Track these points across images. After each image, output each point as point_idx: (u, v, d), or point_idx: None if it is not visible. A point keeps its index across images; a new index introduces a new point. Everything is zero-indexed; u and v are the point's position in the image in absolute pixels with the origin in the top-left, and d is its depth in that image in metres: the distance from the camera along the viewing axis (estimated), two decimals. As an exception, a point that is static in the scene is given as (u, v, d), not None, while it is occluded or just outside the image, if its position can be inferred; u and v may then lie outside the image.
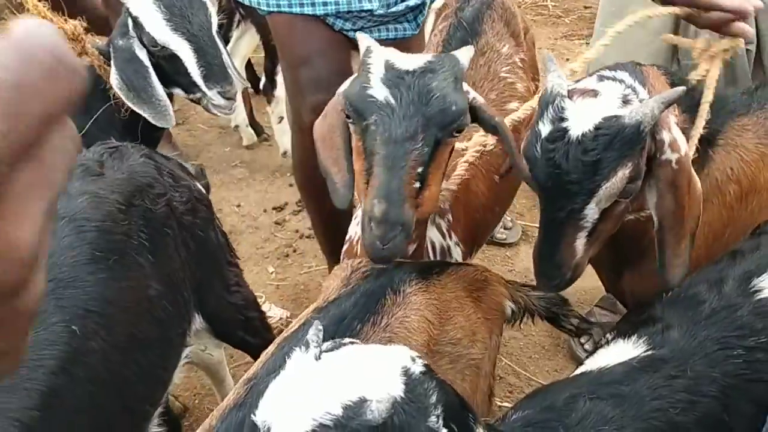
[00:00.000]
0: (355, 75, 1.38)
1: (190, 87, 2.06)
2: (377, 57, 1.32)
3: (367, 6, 2.10)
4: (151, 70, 2.04)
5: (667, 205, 1.35)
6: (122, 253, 1.37)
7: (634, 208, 1.46)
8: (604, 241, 1.42)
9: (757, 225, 1.55)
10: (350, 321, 1.36)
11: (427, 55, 1.37)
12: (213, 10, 2.13)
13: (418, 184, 1.27)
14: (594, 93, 1.31)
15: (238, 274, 1.87)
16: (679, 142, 1.33)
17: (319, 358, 1.02)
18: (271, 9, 2.14)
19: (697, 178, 1.37)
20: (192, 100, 2.15)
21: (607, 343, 1.39)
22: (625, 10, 2.07)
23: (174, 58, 2.02)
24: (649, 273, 1.64)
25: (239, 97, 3.56)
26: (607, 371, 1.28)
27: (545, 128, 1.28)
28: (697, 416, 1.19)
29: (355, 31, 2.19)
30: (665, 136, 1.31)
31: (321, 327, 1.18)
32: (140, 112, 2.02)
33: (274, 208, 3.40)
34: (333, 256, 2.72)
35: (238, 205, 3.40)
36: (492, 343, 1.59)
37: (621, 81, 1.34)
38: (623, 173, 1.27)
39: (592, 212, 1.31)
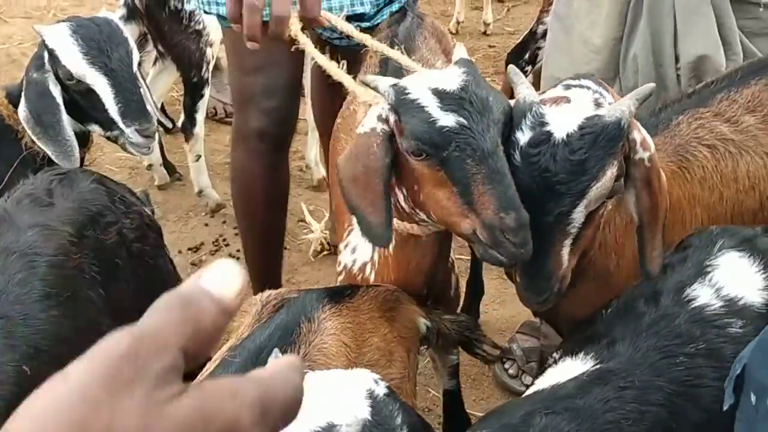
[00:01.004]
0: (382, 112, 1.38)
1: (107, 124, 2.00)
2: (417, 89, 1.32)
3: (359, 9, 2.13)
4: (62, 107, 1.97)
5: (644, 202, 1.40)
6: (74, 288, 1.32)
7: None
8: (583, 250, 1.45)
9: (680, 239, 1.65)
10: (268, 354, 1.34)
11: (448, 68, 1.39)
12: (134, 45, 2.11)
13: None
14: (566, 99, 1.35)
15: (186, 305, 1.83)
16: (648, 141, 1.39)
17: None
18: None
19: (662, 173, 1.45)
20: (109, 138, 2.09)
21: (555, 362, 1.44)
22: (572, 30, 2.21)
23: (91, 93, 1.97)
24: (587, 293, 1.72)
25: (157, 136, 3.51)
26: (560, 387, 1.33)
27: (525, 135, 1.30)
28: (647, 426, 1.26)
29: (341, 38, 2.21)
30: (636, 135, 1.37)
31: (280, 354, 1.19)
32: (44, 149, 1.94)
33: (189, 249, 3.32)
34: (261, 281, 2.66)
35: (152, 247, 3.31)
36: (410, 361, 1.62)
37: (588, 87, 1.40)
38: (611, 171, 1.31)
39: (580, 215, 1.33)
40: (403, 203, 1.47)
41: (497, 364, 2.52)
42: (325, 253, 3.27)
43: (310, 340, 1.41)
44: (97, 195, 1.55)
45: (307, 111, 3.83)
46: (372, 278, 1.72)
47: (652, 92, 1.40)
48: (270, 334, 1.39)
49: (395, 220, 1.48)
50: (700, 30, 1.96)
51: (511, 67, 1.46)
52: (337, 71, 1.61)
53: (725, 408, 1.26)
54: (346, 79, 1.62)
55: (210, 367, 1.39)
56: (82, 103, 2.00)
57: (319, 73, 2.92)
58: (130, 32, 3.18)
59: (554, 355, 1.48)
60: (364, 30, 2.11)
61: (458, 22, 5.30)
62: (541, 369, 1.50)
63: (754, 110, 1.76)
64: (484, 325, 2.54)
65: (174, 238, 3.38)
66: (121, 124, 1.96)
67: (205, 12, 2.26)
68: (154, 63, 3.44)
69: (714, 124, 1.74)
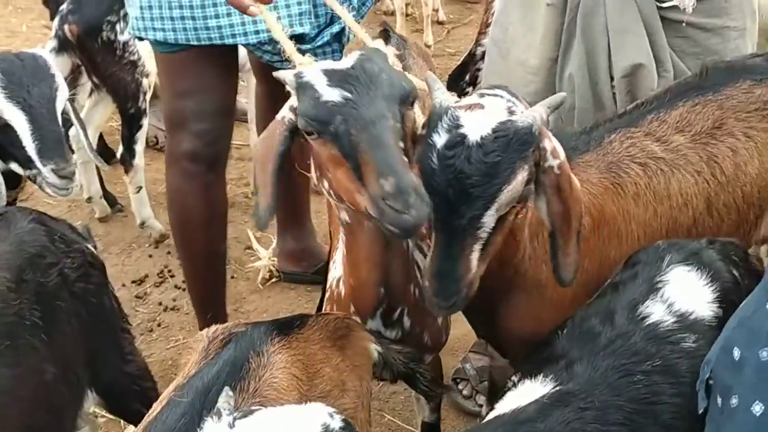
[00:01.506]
0: (292, 102, 1.41)
1: (25, 162, 1.93)
2: (311, 72, 1.36)
3: (298, 30, 2.13)
4: None
5: (554, 208, 1.44)
6: (15, 336, 1.26)
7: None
8: (491, 257, 1.45)
9: (616, 254, 1.69)
10: (216, 392, 1.30)
11: (353, 54, 1.42)
12: (61, 81, 2.04)
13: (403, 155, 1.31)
14: (480, 106, 1.39)
15: (131, 342, 1.79)
16: (557, 149, 1.43)
17: (233, 426, 1.00)
18: (203, 43, 2.15)
19: (575, 179, 1.48)
20: (30, 178, 2.01)
21: (514, 385, 1.44)
22: (509, 55, 2.24)
23: (8, 129, 1.90)
24: (522, 306, 1.73)
25: (78, 176, 3.41)
26: (520, 411, 1.33)
27: (441, 138, 1.33)
28: (609, 446, 1.26)
29: (282, 63, 2.16)
30: (546, 143, 1.40)
31: (231, 393, 1.16)
32: None
33: (133, 282, 3.24)
34: (204, 310, 2.64)
35: (94, 281, 3.21)
36: (363, 389, 1.60)
37: (501, 96, 1.44)
38: (522, 176, 1.34)
39: (490, 219, 1.35)
40: (326, 191, 1.48)
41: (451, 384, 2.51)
42: (273, 280, 3.23)
43: (260, 375, 1.38)
44: (35, 235, 1.49)
45: (252, 137, 3.81)
46: (339, 293, 1.72)
47: (563, 101, 1.45)
48: (218, 370, 1.36)
49: (343, 212, 1.50)
50: (633, 44, 2.02)
51: (428, 73, 1.50)
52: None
53: (700, 411, 1.28)
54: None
55: (157, 407, 1.33)
56: (1, 139, 1.93)
57: (263, 97, 2.91)
58: (62, 64, 3.12)
59: (513, 378, 1.48)
60: (303, 52, 2.12)
61: (399, 45, 5.35)
62: (501, 392, 1.48)
63: (683, 130, 1.82)
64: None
65: (117, 271, 3.29)
66: (37, 163, 1.90)
67: (139, 39, 2.25)
68: (90, 94, 3.37)
69: (645, 143, 1.79)
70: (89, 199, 3.55)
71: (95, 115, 3.42)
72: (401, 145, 1.30)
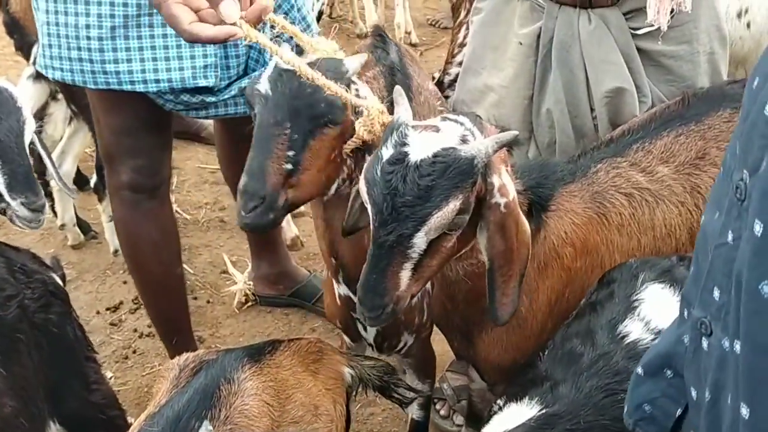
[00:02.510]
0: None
1: None
2: (276, 60, 1.50)
3: (202, 83, 2.07)
4: None
5: (496, 245, 1.42)
6: (-28, 372, 1.24)
7: (463, 255, 1.51)
8: (428, 280, 1.48)
9: (600, 277, 1.69)
10: (187, 421, 1.32)
11: (314, 56, 1.54)
12: (28, 114, 2.02)
13: (289, 166, 1.46)
14: (436, 128, 1.40)
15: (97, 370, 1.77)
16: (508, 187, 1.42)
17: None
18: (100, 87, 2.09)
19: (525, 222, 1.47)
20: None
21: (500, 408, 1.44)
22: (484, 99, 2.24)
23: None
24: (501, 335, 1.73)
25: (47, 210, 3.38)
26: None
27: (387, 152, 1.35)
28: (597, 467, 1.26)
29: (188, 111, 2.19)
30: (495, 180, 1.39)
31: (211, 427, 1.16)
32: None
33: (108, 309, 3.21)
34: (169, 334, 2.63)
35: (68, 309, 3.18)
36: (337, 413, 1.60)
37: (462, 123, 1.43)
38: (454, 204, 1.33)
39: (420, 241, 1.34)
40: None
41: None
42: (249, 304, 3.21)
43: (231, 403, 1.38)
44: None
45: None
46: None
47: (515, 138, 1.44)
48: (189, 399, 1.36)
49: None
50: (612, 72, 2.03)
51: (398, 88, 1.51)
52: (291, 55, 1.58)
53: None
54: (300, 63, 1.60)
55: (128, 438, 1.33)
56: None
57: (221, 126, 2.88)
58: (40, 91, 3.12)
59: (498, 401, 1.48)
60: (209, 104, 2.14)
61: (373, 66, 5.38)
62: (487, 416, 1.48)
63: (667, 161, 1.83)
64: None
65: (91, 298, 3.27)
66: (6, 197, 1.87)
67: (53, 77, 2.15)
68: (69, 122, 3.35)
69: (630, 174, 1.80)
70: (62, 226, 3.53)
71: (74, 143, 3.40)
72: (289, 154, 1.46)
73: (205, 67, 2.05)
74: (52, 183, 3.50)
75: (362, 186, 1.39)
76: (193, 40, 1.33)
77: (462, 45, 3.08)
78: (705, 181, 1.81)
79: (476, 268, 1.57)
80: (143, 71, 2.03)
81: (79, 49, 2.02)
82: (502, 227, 1.41)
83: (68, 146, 3.35)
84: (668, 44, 2.04)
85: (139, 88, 2.06)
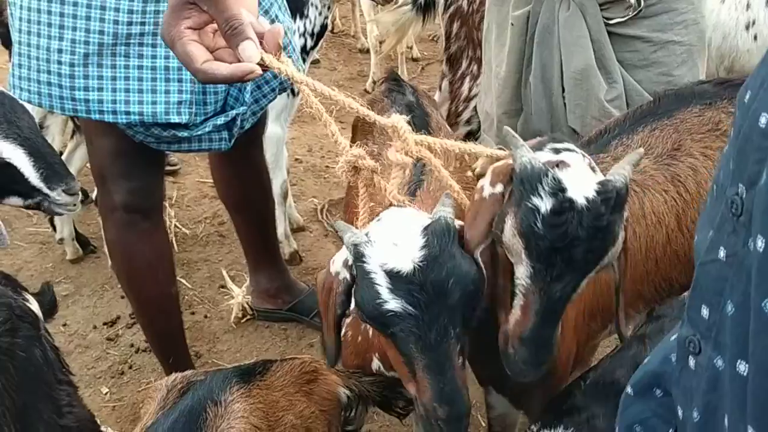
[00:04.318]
0: (346, 256, 1.32)
1: (29, 193, 1.92)
2: (373, 261, 1.26)
3: (174, 119, 1.99)
4: None
5: (622, 264, 1.37)
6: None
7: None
8: None
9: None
10: None
11: (408, 223, 1.31)
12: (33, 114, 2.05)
13: (461, 359, 1.27)
14: (565, 164, 1.27)
15: (71, 393, 1.72)
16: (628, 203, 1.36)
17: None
18: (67, 113, 2.08)
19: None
20: (29, 207, 1.99)
21: (534, 435, 1.39)
22: (490, 71, 2.41)
23: (8, 167, 1.87)
24: None
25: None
26: None
27: (545, 202, 1.21)
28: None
29: (159, 144, 2.13)
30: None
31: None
32: None
33: (105, 324, 3.20)
34: (165, 353, 2.61)
35: (65, 324, 3.16)
36: None
37: (574, 151, 1.33)
38: (623, 235, 1.27)
39: (585, 282, 1.28)
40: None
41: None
42: (247, 318, 3.20)
43: (217, 425, 1.35)
44: None
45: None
46: None
47: (642, 156, 1.37)
48: (174, 420, 1.33)
49: None
50: (579, 53, 2.15)
51: (507, 128, 1.38)
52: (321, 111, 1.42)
53: None
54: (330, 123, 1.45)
55: (113, 460, 1.31)
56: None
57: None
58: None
59: (532, 427, 1.44)
60: (181, 139, 2.09)
61: (374, 82, 5.40)
62: None
63: (646, 153, 1.86)
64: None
65: (88, 313, 3.26)
66: (45, 190, 1.90)
67: (20, 98, 2.05)
68: (72, 136, 3.36)
69: None
70: (61, 241, 3.53)
71: (76, 156, 3.41)
72: (458, 349, 1.25)
73: (179, 103, 1.99)
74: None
75: (515, 242, 1.24)
76: (209, 81, 1.23)
77: (468, 99, 3.09)
78: (683, 170, 1.86)
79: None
80: (114, 102, 1.97)
81: (49, 72, 1.97)
82: (624, 242, 1.36)
83: (69, 160, 3.36)
84: (643, 30, 2.15)
85: (108, 118, 2.00)
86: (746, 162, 0.74)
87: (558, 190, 1.21)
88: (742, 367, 0.74)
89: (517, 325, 1.29)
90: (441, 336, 1.22)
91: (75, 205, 1.97)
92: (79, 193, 1.99)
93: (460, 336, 1.25)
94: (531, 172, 1.23)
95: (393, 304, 1.22)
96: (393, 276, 1.23)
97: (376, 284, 1.23)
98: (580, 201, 1.21)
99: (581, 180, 1.24)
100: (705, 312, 0.80)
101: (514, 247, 1.25)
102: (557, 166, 1.26)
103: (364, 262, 1.26)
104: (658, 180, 1.84)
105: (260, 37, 1.25)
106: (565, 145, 1.34)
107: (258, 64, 1.23)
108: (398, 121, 1.43)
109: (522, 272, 1.26)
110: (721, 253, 0.77)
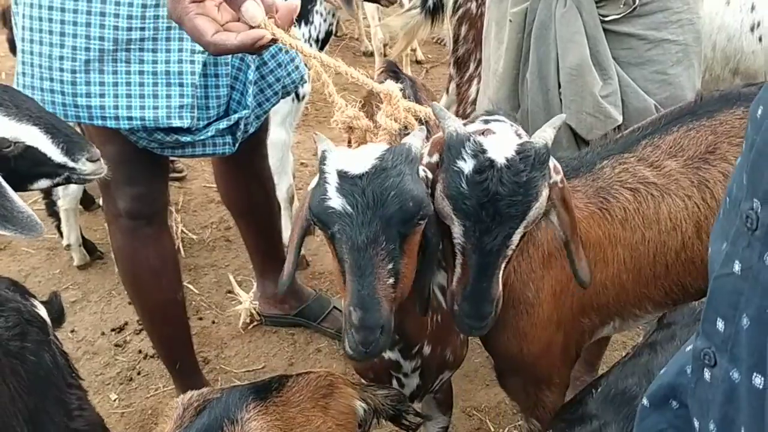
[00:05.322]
0: (316, 181, 1.38)
1: (54, 171, 1.86)
2: (331, 164, 1.34)
3: (176, 123, 2.00)
4: (1, 181, 1.88)
5: (564, 219, 1.51)
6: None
7: None
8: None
9: (602, 277, 1.70)
10: None
11: (377, 147, 1.38)
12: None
13: (392, 280, 1.30)
14: (491, 131, 1.42)
15: (81, 397, 1.73)
16: (557, 166, 1.49)
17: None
18: (70, 120, 2.05)
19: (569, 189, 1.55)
20: (58, 184, 1.94)
21: (545, 442, 1.40)
22: (489, 68, 2.41)
23: (29, 150, 1.82)
24: (508, 321, 1.72)
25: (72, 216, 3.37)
26: None
27: (468, 164, 1.34)
28: None
29: (162, 149, 2.14)
30: (550, 162, 1.44)
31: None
32: (4, 233, 1.84)
33: (113, 330, 3.20)
34: (171, 359, 2.62)
35: (73, 330, 3.17)
36: None
37: (503, 121, 1.48)
38: (546, 192, 1.38)
39: (518, 237, 1.38)
40: None
41: None
42: (255, 324, 3.20)
43: None
44: None
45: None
46: None
47: (564, 121, 1.48)
48: None
49: None
50: (574, 50, 2.15)
51: (435, 104, 1.50)
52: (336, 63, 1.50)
53: None
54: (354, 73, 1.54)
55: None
56: (24, 166, 1.85)
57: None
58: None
59: None
60: (184, 144, 2.09)
61: (378, 84, 5.40)
62: None
63: (676, 155, 1.84)
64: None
65: (96, 319, 3.27)
66: (71, 164, 1.84)
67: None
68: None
69: (637, 169, 1.83)
70: (68, 247, 3.53)
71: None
72: (389, 267, 1.29)
73: (181, 107, 2.00)
74: (59, 203, 3.51)
75: (445, 205, 1.37)
76: (220, 52, 1.23)
77: (475, 102, 3.08)
78: (714, 175, 1.82)
79: None
80: (115, 107, 1.99)
81: (51, 80, 1.99)
82: (564, 200, 1.49)
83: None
84: (638, 28, 2.15)
85: (110, 124, 2.01)
86: (760, 177, 0.74)
87: (479, 151, 1.34)
88: (758, 380, 0.74)
89: (458, 283, 1.41)
90: (370, 241, 1.29)
91: (102, 168, 1.89)
92: (100, 157, 1.92)
93: (393, 254, 1.30)
94: (456, 139, 1.36)
95: (335, 201, 1.30)
96: (342, 176, 1.32)
97: (327, 183, 1.32)
98: (500, 160, 1.33)
99: (502, 143, 1.36)
100: (720, 325, 0.80)
101: (445, 210, 1.37)
102: (483, 133, 1.39)
103: (324, 164, 1.35)
104: (682, 185, 1.82)
105: (275, 10, 1.27)
106: (495, 117, 1.48)
107: (271, 40, 1.26)
108: (392, 88, 1.54)
109: (456, 232, 1.38)
110: (736, 267, 0.77)
